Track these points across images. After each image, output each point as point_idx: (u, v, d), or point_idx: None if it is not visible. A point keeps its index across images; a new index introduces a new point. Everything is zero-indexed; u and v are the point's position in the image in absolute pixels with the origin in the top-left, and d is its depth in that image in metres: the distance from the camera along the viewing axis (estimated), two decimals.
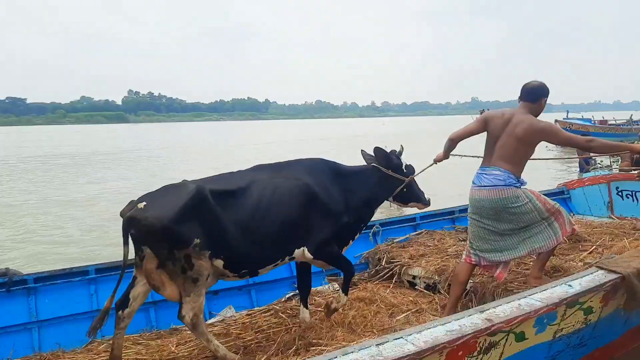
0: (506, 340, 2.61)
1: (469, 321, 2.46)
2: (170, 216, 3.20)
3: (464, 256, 4.14)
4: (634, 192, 5.45)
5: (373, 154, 4.34)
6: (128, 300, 3.37)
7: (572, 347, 3.18)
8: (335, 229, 3.94)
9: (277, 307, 4.35)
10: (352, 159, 4.82)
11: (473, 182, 4.02)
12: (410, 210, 9.02)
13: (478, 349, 2.49)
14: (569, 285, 2.88)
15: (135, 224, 3.18)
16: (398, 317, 3.91)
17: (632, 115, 33.46)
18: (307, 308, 4.14)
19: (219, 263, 3.53)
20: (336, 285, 4.81)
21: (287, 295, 4.72)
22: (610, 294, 3.10)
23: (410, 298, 4.42)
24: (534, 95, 3.96)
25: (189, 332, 3.81)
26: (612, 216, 5.58)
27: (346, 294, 4.06)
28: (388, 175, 4.27)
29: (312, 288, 4.58)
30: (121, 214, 3.28)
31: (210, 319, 4.49)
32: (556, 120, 27.71)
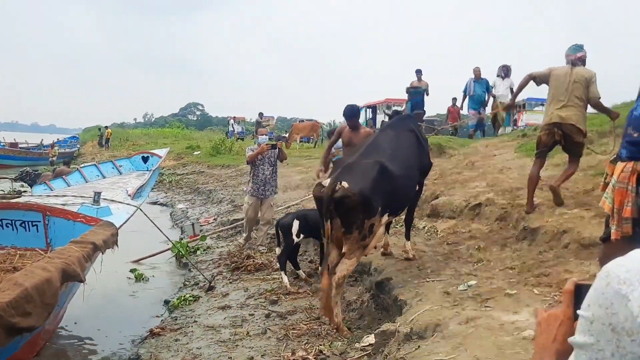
0: None
1: None
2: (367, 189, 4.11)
3: None
4: (13, 222, 5.38)
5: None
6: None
7: None
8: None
9: None
10: None
11: None
12: None
13: None
14: None
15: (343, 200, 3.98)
16: None
17: (42, 139, 32.66)
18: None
19: (387, 216, 4.61)
20: None
21: None
22: None
23: None
24: None
25: None
26: None
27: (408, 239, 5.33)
28: None
29: None
30: (318, 194, 4.20)
31: None
32: None
